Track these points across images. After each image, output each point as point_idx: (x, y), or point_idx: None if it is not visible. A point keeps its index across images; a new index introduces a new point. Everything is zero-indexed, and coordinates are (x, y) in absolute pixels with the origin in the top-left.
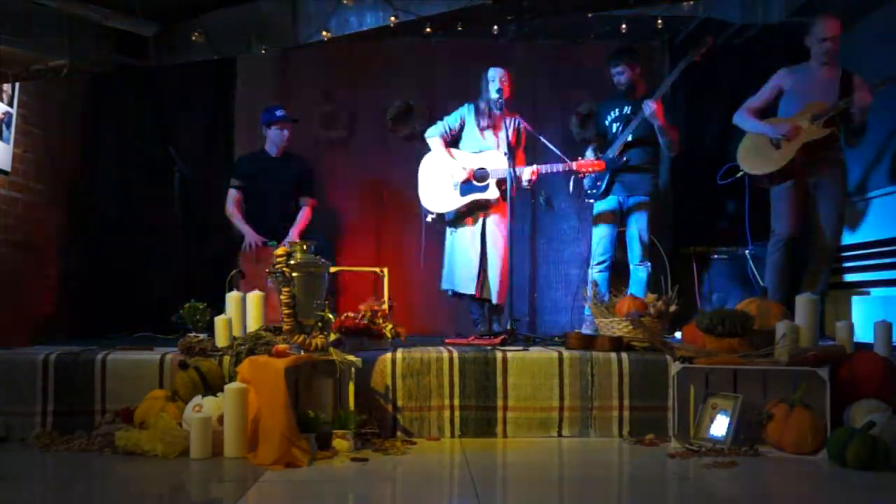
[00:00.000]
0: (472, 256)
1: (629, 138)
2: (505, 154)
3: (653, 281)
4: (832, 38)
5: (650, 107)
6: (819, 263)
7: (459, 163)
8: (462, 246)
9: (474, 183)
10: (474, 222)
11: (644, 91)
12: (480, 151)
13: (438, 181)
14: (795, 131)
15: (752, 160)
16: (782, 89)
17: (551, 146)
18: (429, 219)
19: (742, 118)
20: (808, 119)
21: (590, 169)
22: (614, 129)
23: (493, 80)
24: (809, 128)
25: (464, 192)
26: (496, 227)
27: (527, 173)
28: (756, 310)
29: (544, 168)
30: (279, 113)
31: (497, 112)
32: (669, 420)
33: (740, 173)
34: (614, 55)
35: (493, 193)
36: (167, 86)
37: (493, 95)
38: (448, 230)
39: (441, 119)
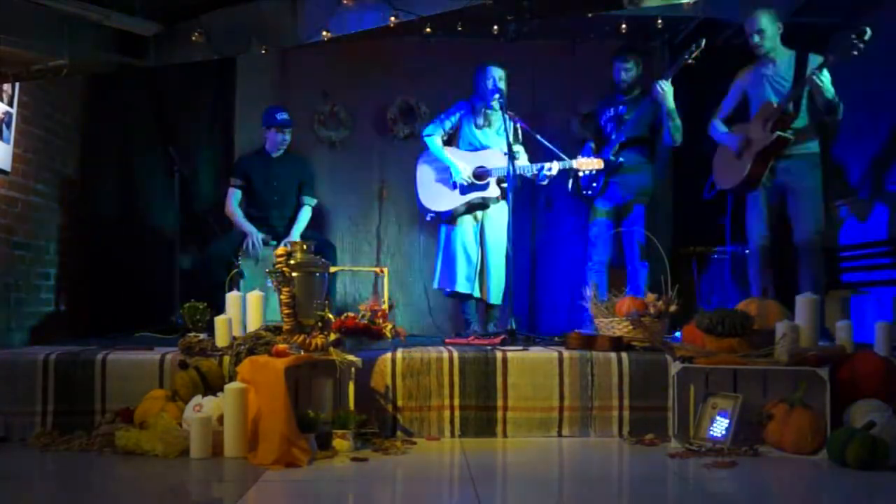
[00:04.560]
0: (471, 256)
1: (623, 139)
2: (504, 153)
3: (652, 281)
4: (756, 32)
5: (661, 88)
6: (802, 263)
7: (459, 161)
8: (460, 245)
9: (475, 181)
10: (475, 221)
11: (642, 92)
12: (478, 150)
13: (438, 180)
14: (747, 142)
15: (721, 172)
16: (745, 90)
17: (548, 144)
18: (429, 217)
19: (712, 129)
20: (760, 123)
21: (589, 168)
22: (608, 130)
23: (492, 79)
24: (760, 134)
25: (464, 191)
26: (495, 226)
27: (546, 169)
28: (756, 310)
29: (564, 164)
30: (280, 117)
31: (496, 110)
32: (669, 420)
33: (718, 187)
34: (624, 50)
35: (493, 192)
36: (167, 86)
37: (494, 94)
38: (444, 228)
39: (437, 118)
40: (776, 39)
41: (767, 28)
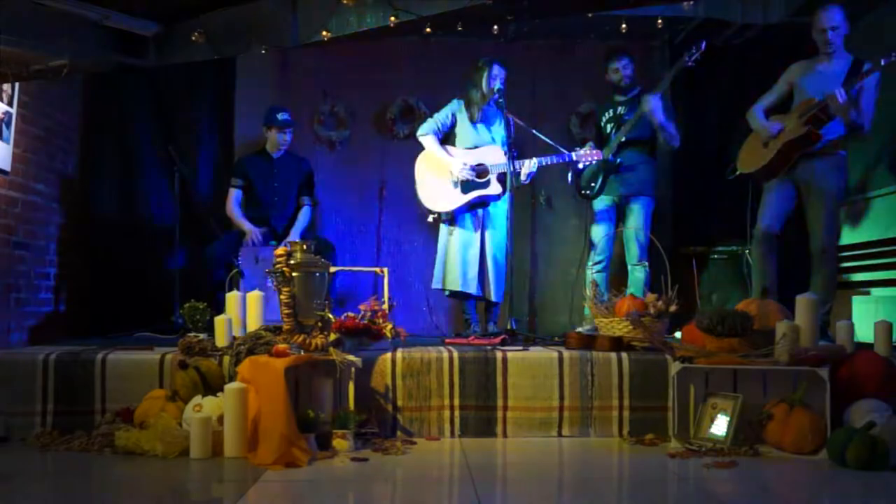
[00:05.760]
0: (473, 255)
1: (623, 139)
2: (505, 153)
3: (652, 281)
4: (832, 28)
5: (650, 103)
6: (815, 264)
7: (458, 160)
8: (462, 245)
9: (476, 179)
10: (477, 220)
11: (641, 91)
12: (476, 147)
13: (438, 180)
14: (779, 131)
15: (745, 157)
16: (792, 84)
17: (545, 138)
18: (430, 219)
19: (750, 115)
20: (796, 116)
21: (588, 159)
22: (608, 130)
23: (497, 78)
24: (792, 126)
25: (466, 190)
26: (497, 224)
27: (527, 166)
28: (756, 310)
29: (543, 160)
30: (281, 117)
31: (496, 107)
32: (669, 420)
33: (739, 171)
34: (616, 51)
35: (495, 189)
36: (167, 86)
37: (498, 93)
38: (445, 228)
39: (430, 116)
40: (841, 39)
41: (842, 25)
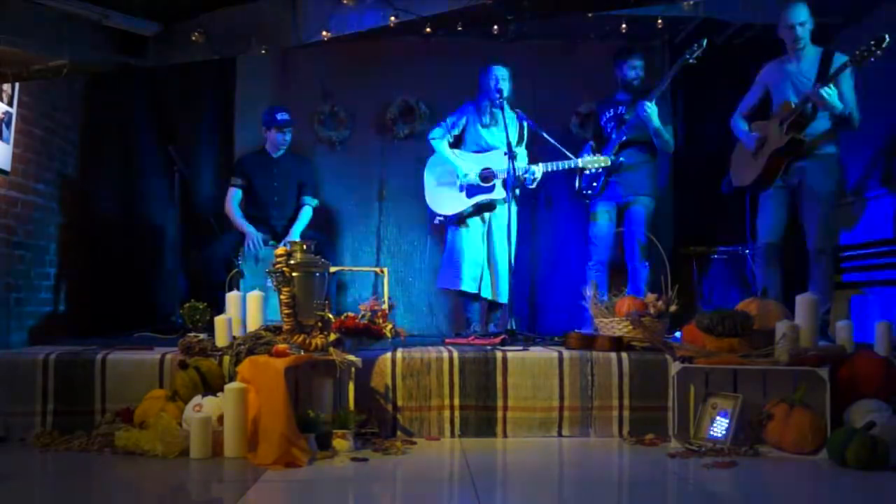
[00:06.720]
0: (477, 256)
1: (624, 138)
2: (505, 154)
3: (652, 281)
4: (799, 24)
5: (645, 109)
6: (812, 265)
7: (465, 165)
8: (467, 245)
9: (481, 184)
10: (483, 222)
11: (642, 92)
12: (485, 151)
13: (445, 184)
14: (763, 141)
15: (738, 169)
16: (767, 86)
17: (555, 143)
18: (436, 221)
19: (733, 124)
20: (777, 123)
21: (596, 165)
22: (609, 130)
23: (496, 79)
24: (776, 134)
25: (470, 194)
26: (502, 226)
27: (532, 172)
28: (756, 310)
29: (550, 166)
30: (280, 117)
31: (499, 109)
32: (669, 420)
33: (735, 183)
34: (629, 49)
35: (499, 194)
36: (167, 86)
37: (497, 94)
38: (450, 229)
39: (443, 120)
40: (809, 34)
41: (808, 21)
